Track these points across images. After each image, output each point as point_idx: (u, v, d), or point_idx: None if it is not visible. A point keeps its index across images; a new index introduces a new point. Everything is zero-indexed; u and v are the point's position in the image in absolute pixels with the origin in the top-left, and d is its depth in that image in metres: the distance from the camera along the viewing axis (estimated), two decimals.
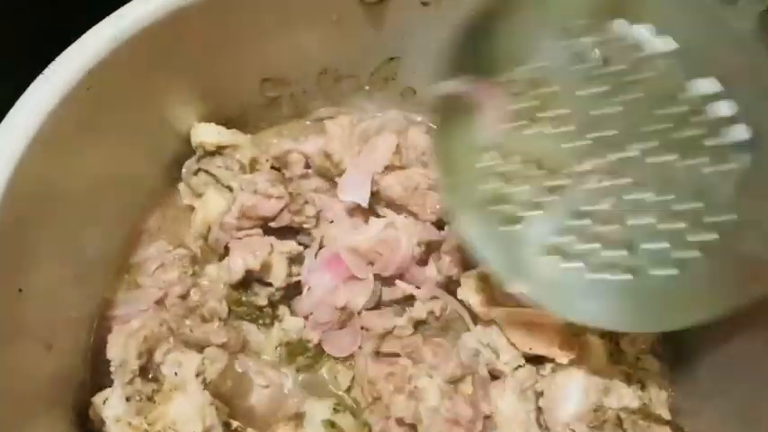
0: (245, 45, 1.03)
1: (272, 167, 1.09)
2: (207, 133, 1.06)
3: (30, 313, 0.81)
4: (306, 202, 1.02)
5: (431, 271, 1.02)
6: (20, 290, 0.79)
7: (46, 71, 0.83)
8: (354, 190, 1.01)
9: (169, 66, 0.97)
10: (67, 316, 0.93)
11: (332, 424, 0.92)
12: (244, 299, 0.98)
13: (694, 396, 0.95)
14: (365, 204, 1.01)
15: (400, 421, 0.90)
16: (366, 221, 1.05)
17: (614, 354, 0.95)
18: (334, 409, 0.94)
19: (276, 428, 0.93)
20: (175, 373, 0.90)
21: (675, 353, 0.99)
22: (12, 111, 0.81)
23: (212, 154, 1.07)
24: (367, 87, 1.17)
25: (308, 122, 1.20)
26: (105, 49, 0.86)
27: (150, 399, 0.89)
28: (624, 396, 0.89)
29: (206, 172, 1.08)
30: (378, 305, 1.02)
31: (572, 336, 0.91)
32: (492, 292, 0.94)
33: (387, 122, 1.20)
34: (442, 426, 0.87)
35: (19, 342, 0.79)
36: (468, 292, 0.95)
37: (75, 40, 0.85)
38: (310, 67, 1.12)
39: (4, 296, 0.76)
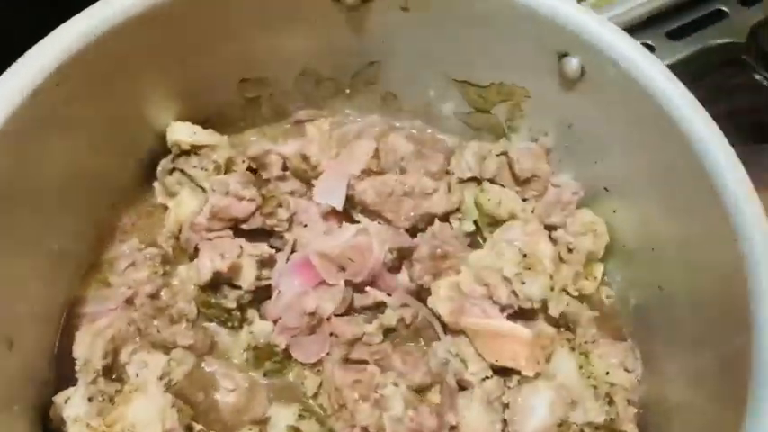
0: (224, 44, 1.03)
1: (249, 168, 1.08)
2: (182, 132, 1.05)
3: None
4: (279, 205, 1.01)
5: (403, 278, 1.02)
6: None
7: (13, 66, 0.82)
8: (330, 193, 1.01)
9: (145, 63, 0.97)
10: (32, 312, 0.91)
11: (296, 430, 0.91)
12: (213, 301, 0.97)
13: (662, 412, 0.94)
14: (340, 208, 1.00)
15: (365, 429, 0.89)
16: (341, 226, 1.04)
17: (584, 367, 0.94)
18: (300, 415, 0.93)
19: None
20: (137, 374, 0.89)
21: (646, 367, 0.98)
22: None
23: (188, 153, 1.06)
24: (348, 91, 1.16)
25: (287, 125, 1.19)
26: (76, 45, 0.85)
27: (113, 399, 0.89)
28: (590, 410, 0.88)
29: (181, 171, 1.07)
30: (348, 311, 1.01)
31: (539, 348, 0.90)
32: (462, 301, 0.93)
33: (367, 127, 1.19)
34: None
35: None
36: (438, 301, 0.95)
37: None
38: (290, 68, 1.12)
39: None
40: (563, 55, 0.94)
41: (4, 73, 0.82)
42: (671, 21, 1.53)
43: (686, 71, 0.91)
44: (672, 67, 0.89)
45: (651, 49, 1.44)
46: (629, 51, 0.88)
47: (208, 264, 0.93)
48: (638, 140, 0.93)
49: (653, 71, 0.87)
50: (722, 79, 1.50)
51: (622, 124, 0.94)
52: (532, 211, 1.03)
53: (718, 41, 1.52)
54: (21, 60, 0.83)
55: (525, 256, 0.91)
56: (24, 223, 0.87)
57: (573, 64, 0.93)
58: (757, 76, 1.44)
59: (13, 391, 0.86)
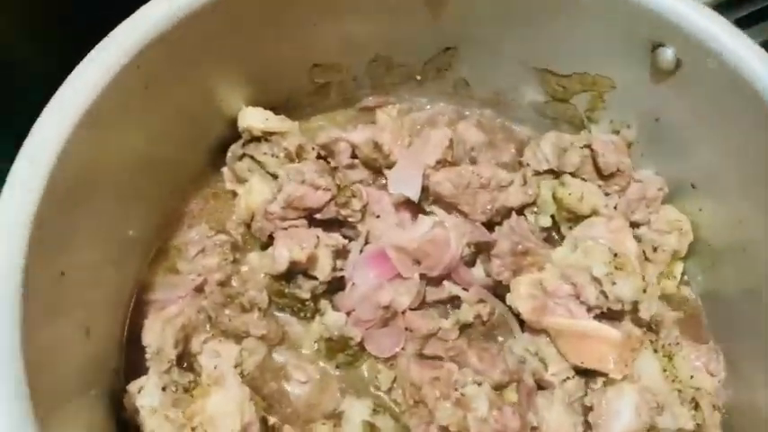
0: (297, 29, 1.00)
1: (319, 156, 1.05)
2: (254, 118, 1.02)
3: (71, 296, 0.78)
4: (353, 195, 0.98)
5: (478, 273, 0.99)
6: (62, 273, 0.76)
7: (95, 49, 0.80)
8: (405, 183, 0.98)
9: (219, 48, 0.94)
10: (106, 299, 0.90)
11: (371, 426, 0.89)
12: (287, 291, 0.95)
13: (748, 418, 0.91)
14: (416, 199, 0.97)
15: (443, 429, 0.87)
16: (414, 217, 1.01)
17: (668, 370, 0.91)
18: (374, 410, 0.91)
19: (314, 427, 0.90)
20: (215, 366, 0.88)
21: (729, 371, 0.95)
22: (61, 88, 0.78)
23: (258, 140, 1.03)
24: (418, 77, 1.13)
25: (355, 112, 1.16)
26: (155, 29, 0.83)
27: (187, 390, 0.87)
28: (679, 416, 0.85)
29: (251, 158, 1.04)
30: (421, 305, 0.98)
31: (628, 350, 0.87)
32: (544, 300, 0.90)
33: (436, 115, 1.16)
34: None
35: (59, 325, 0.76)
36: (518, 298, 0.92)
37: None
38: (362, 53, 1.08)
39: (47, 279, 0.74)
40: (657, 45, 0.90)
41: (89, 54, 0.79)
42: (740, 8, 1.46)
43: None
44: None
45: None
46: (734, 43, 0.84)
47: (285, 253, 0.90)
48: (733, 134, 0.89)
49: (758, 63, 0.82)
50: None
51: (717, 117, 0.90)
52: (615, 207, 0.99)
53: None
54: (102, 43, 0.80)
55: (616, 255, 0.88)
56: (101, 209, 0.85)
57: (668, 55, 0.89)
58: None
59: (90, 377, 0.84)
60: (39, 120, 0.75)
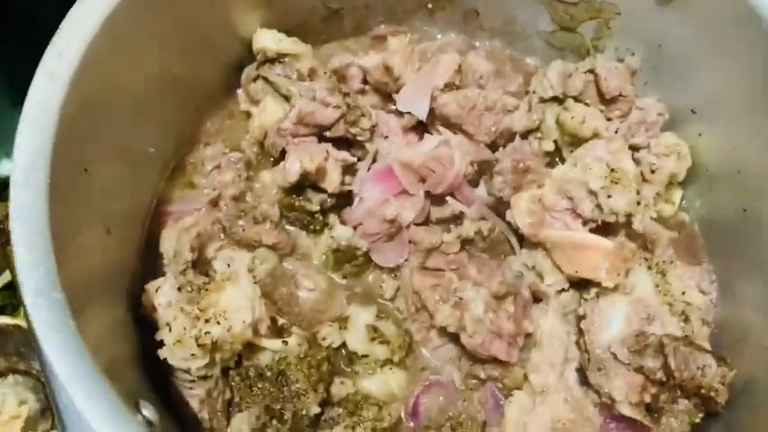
0: None
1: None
2: (268, 39, 1.06)
3: (94, 194, 0.84)
4: (362, 115, 1.02)
5: (480, 193, 1.03)
6: (86, 169, 0.81)
7: None
8: (413, 102, 1.01)
9: None
10: (126, 206, 0.95)
11: (375, 329, 0.94)
12: (297, 203, 1.00)
13: (737, 334, 0.95)
14: (423, 117, 1.01)
15: (442, 331, 0.92)
16: (420, 140, 1.05)
17: (660, 285, 0.95)
18: (378, 316, 0.96)
19: (321, 328, 0.95)
20: (228, 265, 0.93)
21: (722, 291, 0.99)
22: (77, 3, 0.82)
23: (272, 61, 1.07)
24: (430, 6, 1.16)
25: (368, 40, 1.20)
26: None
27: (201, 290, 0.92)
28: (668, 324, 0.89)
29: (264, 79, 1.08)
30: (425, 223, 1.02)
31: (620, 260, 0.90)
32: (543, 214, 0.94)
33: (446, 45, 1.19)
34: (485, 336, 0.88)
35: (83, 218, 0.82)
36: (518, 213, 0.95)
37: None
38: None
39: (74, 171, 0.79)
40: None
41: None
42: None
43: None
44: None
45: None
46: None
47: (296, 164, 0.95)
48: (734, 60, 0.91)
49: None
50: None
51: (720, 43, 0.92)
52: (616, 132, 1.02)
53: None
54: None
55: (612, 170, 0.91)
56: (119, 121, 0.89)
57: None
58: None
59: (112, 278, 0.90)
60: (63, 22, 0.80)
